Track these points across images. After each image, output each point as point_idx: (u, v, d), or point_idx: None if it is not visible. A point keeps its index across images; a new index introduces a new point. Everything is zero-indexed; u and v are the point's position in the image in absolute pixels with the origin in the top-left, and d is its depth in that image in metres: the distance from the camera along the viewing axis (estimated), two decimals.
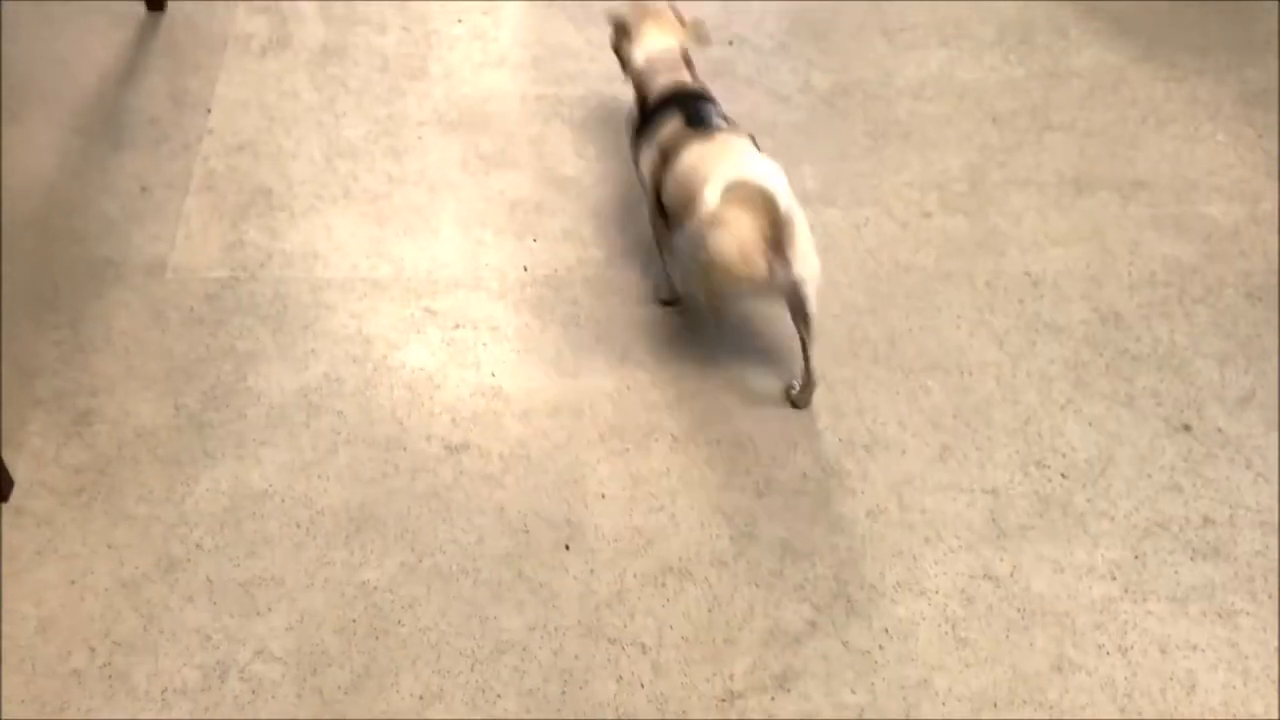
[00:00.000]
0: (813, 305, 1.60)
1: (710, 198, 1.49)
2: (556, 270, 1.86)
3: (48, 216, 1.87)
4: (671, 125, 1.68)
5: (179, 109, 2.06)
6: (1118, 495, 1.60)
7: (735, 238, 1.50)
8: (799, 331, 1.65)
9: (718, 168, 1.54)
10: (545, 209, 1.96)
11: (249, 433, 1.62)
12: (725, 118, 1.73)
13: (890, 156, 2.08)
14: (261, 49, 2.18)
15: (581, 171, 2.02)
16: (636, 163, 1.77)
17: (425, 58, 2.20)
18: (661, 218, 1.71)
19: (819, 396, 1.70)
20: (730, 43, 2.27)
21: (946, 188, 2.03)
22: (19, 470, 1.55)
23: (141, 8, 2.23)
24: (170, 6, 2.24)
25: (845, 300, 1.84)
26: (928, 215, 1.99)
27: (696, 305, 1.79)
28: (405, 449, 1.61)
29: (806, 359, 1.65)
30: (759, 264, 1.52)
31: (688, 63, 1.80)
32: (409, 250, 1.88)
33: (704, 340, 1.77)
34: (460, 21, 2.28)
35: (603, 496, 1.57)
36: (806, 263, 1.56)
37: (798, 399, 1.69)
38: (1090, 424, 1.69)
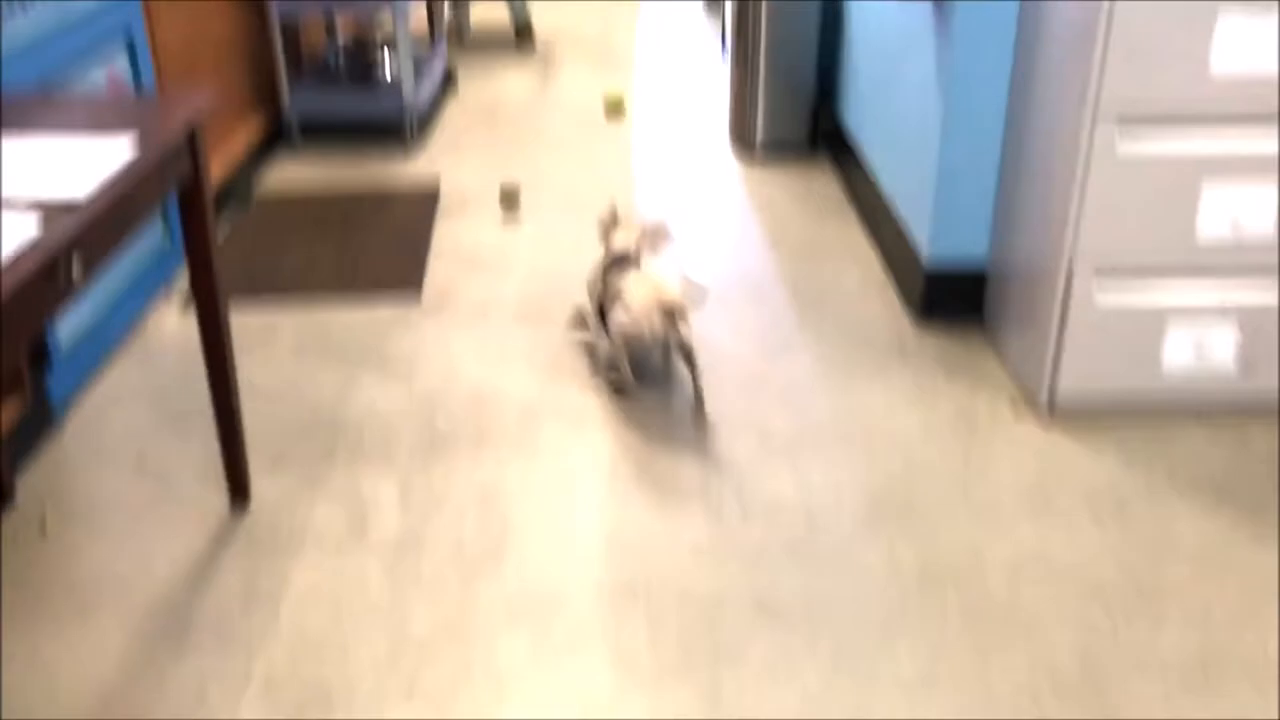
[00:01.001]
0: (694, 352, 2.57)
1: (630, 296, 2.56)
2: None
3: None
4: (618, 269, 2.68)
5: (249, 607, 2.02)
6: None
7: (642, 310, 2.50)
8: (689, 371, 2.59)
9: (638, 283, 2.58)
10: (618, 704, 1.82)
11: None
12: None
13: (990, 639, 1.93)
14: (338, 544, 2.18)
15: (655, 661, 1.90)
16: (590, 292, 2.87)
17: (500, 545, 2.17)
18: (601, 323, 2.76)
19: None
20: (808, 523, 2.22)
21: (1058, 673, 1.86)
22: None
23: (225, 503, 2.28)
24: (255, 501, 2.28)
25: None
26: (1038, 703, 1.80)
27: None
28: None
29: (695, 384, 2.59)
30: (655, 323, 2.49)
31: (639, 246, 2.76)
32: None
33: None
34: (538, 499, 2.28)
35: None
36: (690, 331, 2.54)
37: (694, 414, 2.57)
38: None
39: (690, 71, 5.15)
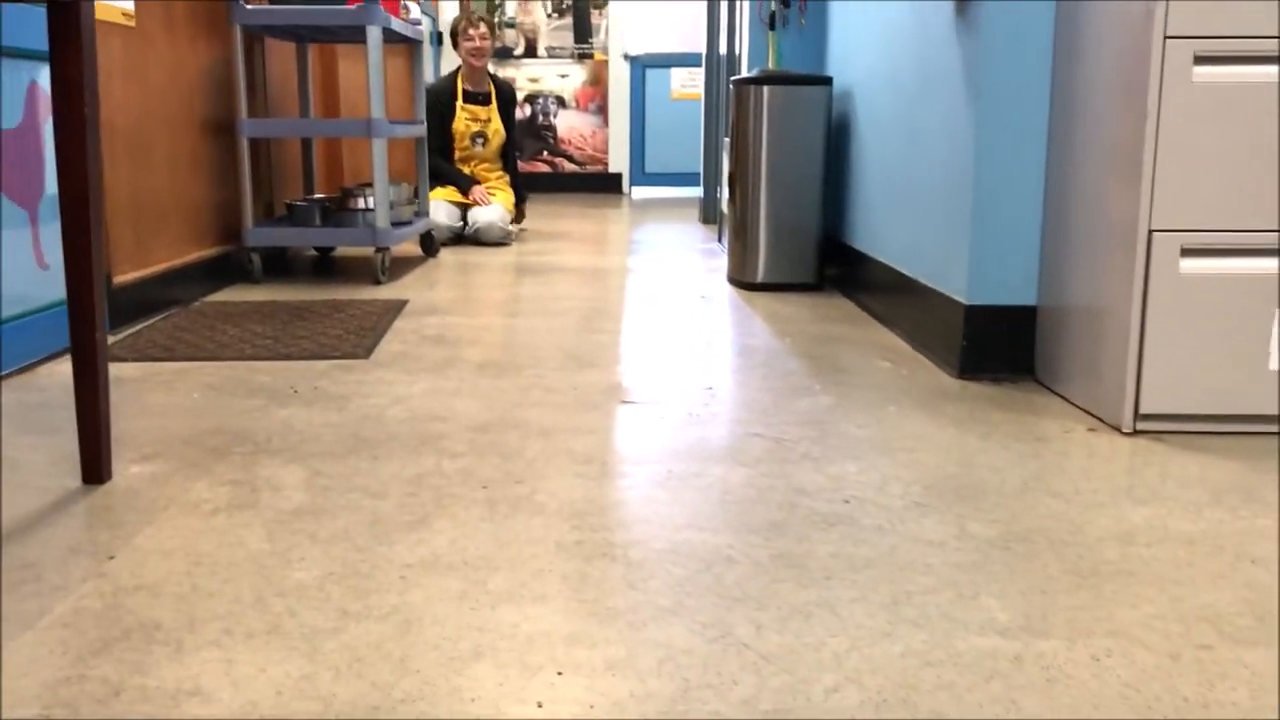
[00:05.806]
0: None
1: None
2: (592, 709, 1.08)
3: None
4: None
5: (71, 556, 1.45)
6: None
7: None
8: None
9: None
10: (581, 641, 1.23)
11: None
12: None
13: (1115, 592, 1.36)
14: (214, 510, 1.63)
15: (639, 604, 1.32)
16: None
17: (430, 515, 1.62)
18: None
19: None
20: (846, 501, 1.68)
21: (1223, 621, 1.28)
22: None
23: (74, 481, 1.74)
24: (117, 482, 1.74)
25: None
26: (1207, 648, 1.21)
27: None
28: None
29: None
30: None
31: None
32: (354, 689, 1.13)
33: None
34: (485, 488, 1.73)
35: None
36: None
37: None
38: None
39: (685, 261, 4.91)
